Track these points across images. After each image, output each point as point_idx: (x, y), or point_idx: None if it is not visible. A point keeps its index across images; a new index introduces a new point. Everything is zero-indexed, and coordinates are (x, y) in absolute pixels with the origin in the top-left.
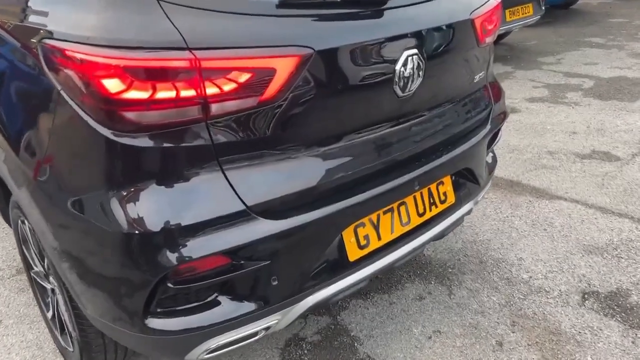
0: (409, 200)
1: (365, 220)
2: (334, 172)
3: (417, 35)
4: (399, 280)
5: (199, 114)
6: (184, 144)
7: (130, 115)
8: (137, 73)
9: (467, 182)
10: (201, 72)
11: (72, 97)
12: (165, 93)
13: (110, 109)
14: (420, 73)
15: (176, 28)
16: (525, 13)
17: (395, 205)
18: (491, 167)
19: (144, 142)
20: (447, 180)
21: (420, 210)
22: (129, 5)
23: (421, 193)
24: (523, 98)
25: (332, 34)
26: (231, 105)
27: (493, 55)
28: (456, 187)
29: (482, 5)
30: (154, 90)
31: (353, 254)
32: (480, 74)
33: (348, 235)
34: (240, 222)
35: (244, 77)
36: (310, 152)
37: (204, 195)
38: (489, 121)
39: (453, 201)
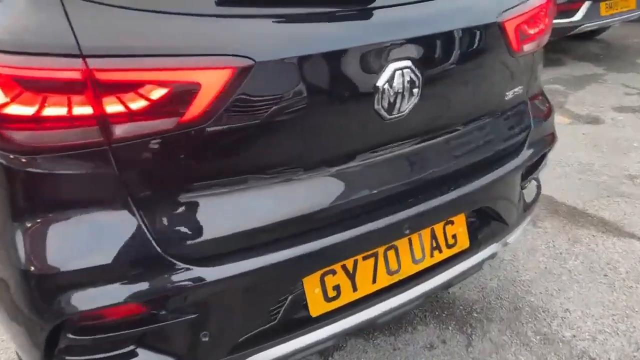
0: (402, 244)
1: (336, 267)
2: (289, 210)
3: (411, 43)
4: (410, 322)
5: (99, 137)
6: (85, 172)
7: (16, 134)
8: (22, 84)
9: (490, 220)
10: (97, 86)
11: None
12: (54, 110)
13: None
14: (415, 91)
15: (72, 29)
16: (626, 7)
17: (380, 249)
18: (529, 202)
19: (38, 166)
20: (460, 220)
21: (417, 256)
22: (35, 1)
23: (420, 235)
24: (610, 106)
25: (285, 40)
26: (142, 127)
27: (541, 63)
28: (473, 227)
29: (521, 3)
30: (42, 105)
31: (317, 307)
32: (516, 89)
33: (311, 284)
34: (154, 268)
35: (157, 93)
36: (255, 186)
37: (110, 234)
38: (525, 147)
39: (467, 246)
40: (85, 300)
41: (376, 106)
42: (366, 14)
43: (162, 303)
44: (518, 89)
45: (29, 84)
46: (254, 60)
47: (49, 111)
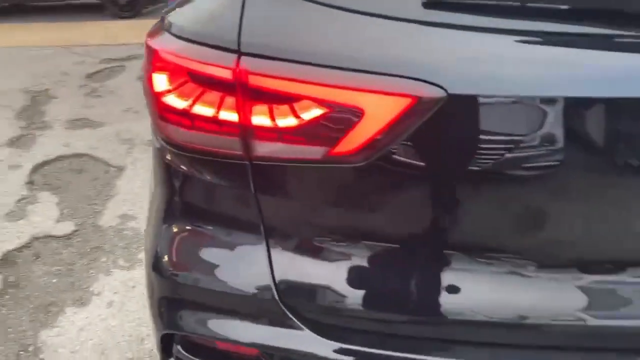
0: None
1: None
2: (466, 307)
3: None
4: None
5: (239, 150)
6: (225, 185)
7: (170, 127)
8: (183, 74)
9: None
10: (246, 90)
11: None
12: (202, 109)
13: (155, 110)
14: None
15: (241, 18)
16: None
17: None
18: None
19: (187, 166)
20: None
21: None
22: None
23: None
24: None
25: (506, 69)
26: (285, 149)
27: None
28: None
29: None
30: (194, 102)
31: None
32: None
33: None
34: (264, 312)
35: (311, 113)
36: (419, 263)
37: (230, 260)
38: None
39: None
40: (189, 321)
41: None
42: None
43: (266, 353)
44: None
45: (190, 75)
46: (445, 90)
47: (197, 109)
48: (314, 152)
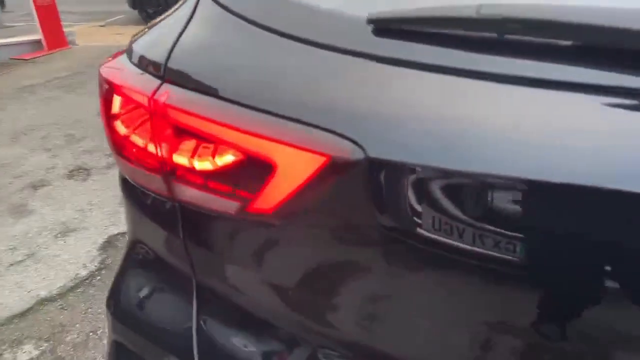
0: None
1: None
2: None
3: None
4: None
5: (164, 188)
6: (161, 225)
7: (118, 155)
8: (125, 100)
9: None
10: (165, 124)
11: None
12: (137, 137)
13: (108, 132)
14: None
15: (175, 42)
16: None
17: None
18: None
19: (132, 198)
20: None
21: None
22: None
23: None
24: None
25: (458, 127)
26: (204, 197)
27: None
28: None
29: None
30: (134, 128)
31: None
32: None
33: None
34: None
35: (225, 159)
36: None
37: (163, 321)
38: None
39: None
40: None
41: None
42: None
43: None
44: None
45: (125, 98)
46: (363, 150)
47: (135, 138)
48: (229, 205)
